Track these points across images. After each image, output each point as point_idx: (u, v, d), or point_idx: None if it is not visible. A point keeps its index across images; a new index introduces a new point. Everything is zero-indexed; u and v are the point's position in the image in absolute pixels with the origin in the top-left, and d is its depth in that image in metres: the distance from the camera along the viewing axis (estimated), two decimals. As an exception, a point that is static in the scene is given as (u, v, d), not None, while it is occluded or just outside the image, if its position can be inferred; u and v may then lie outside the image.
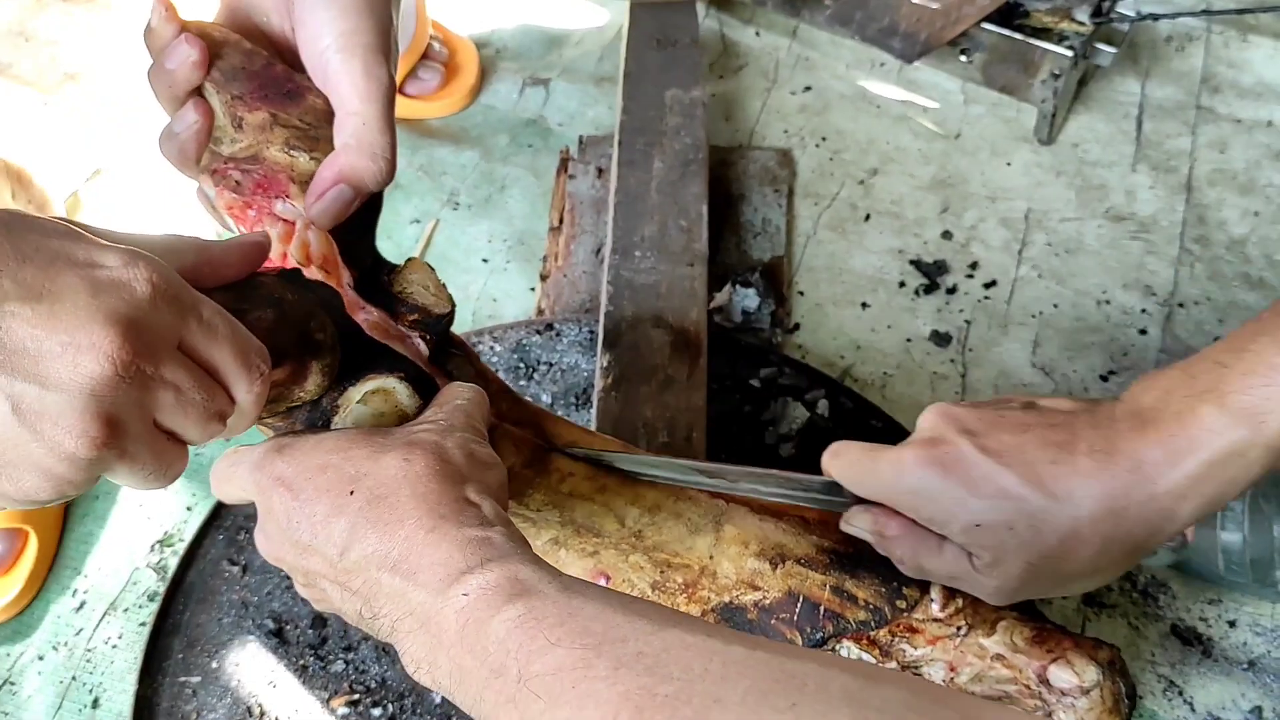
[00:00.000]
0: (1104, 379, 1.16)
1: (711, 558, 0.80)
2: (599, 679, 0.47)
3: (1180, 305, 1.21)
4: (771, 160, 1.32)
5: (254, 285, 0.62)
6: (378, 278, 0.75)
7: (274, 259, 0.70)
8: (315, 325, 0.64)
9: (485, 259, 1.26)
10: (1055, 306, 1.21)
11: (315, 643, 0.94)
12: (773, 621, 0.82)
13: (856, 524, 0.73)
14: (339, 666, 0.93)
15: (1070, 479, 0.64)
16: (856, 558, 0.83)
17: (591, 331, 1.13)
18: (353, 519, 0.58)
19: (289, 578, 0.97)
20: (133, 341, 0.50)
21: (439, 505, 0.57)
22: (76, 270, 0.50)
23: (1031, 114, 1.36)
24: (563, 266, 1.21)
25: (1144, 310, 1.20)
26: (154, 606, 0.99)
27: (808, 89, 1.41)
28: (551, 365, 1.11)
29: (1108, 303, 1.21)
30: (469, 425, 0.65)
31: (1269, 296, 1.21)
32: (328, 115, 0.71)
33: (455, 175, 1.33)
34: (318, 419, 0.68)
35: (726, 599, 0.82)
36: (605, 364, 1.01)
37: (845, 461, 0.72)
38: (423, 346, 0.73)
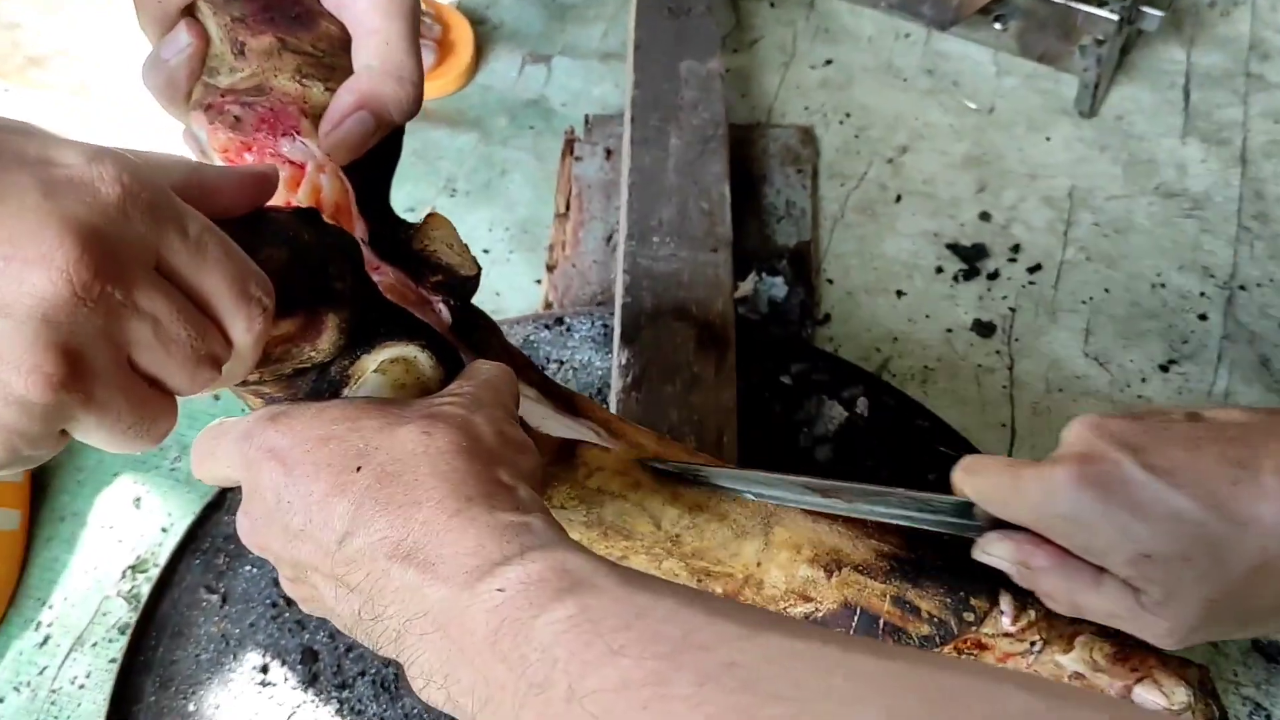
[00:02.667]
0: (1164, 369, 1.06)
1: (759, 565, 0.71)
2: (678, 698, 0.37)
3: (1241, 288, 1.11)
4: (793, 138, 1.22)
5: (263, 220, 0.53)
6: (395, 234, 0.65)
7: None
8: (335, 272, 0.54)
9: (486, 249, 1.16)
10: (1106, 291, 1.11)
11: (306, 679, 0.84)
12: (826, 642, 0.72)
13: (994, 553, 0.63)
14: (333, 707, 0.82)
15: (1256, 502, 0.55)
16: (919, 564, 0.73)
17: (605, 325, 1.03)
18: (357, 499, 0.48)
19: (275, 607, 0.87)
20: (95, 255, 0.41)
21: (465, 485, 0.48)
22: (26, 168, 0.41)
23: (1070, 85, 1.26)
24: (571, 256, 1.11)
25: (1203, 294, 1.11)
26: (125, 640, 0.89)
27: (828, 63, 1.31)
28: (562, 363, 1.01)
29: (1163, 286, 1.11)
30: (499, 402, 0.56)
31: (1337, 277, 1.11)
32: (344, 43, 0.62)
33: (452, 160, 1.23)
34: (324, 388, 0.59)
35: (772, 610, 0.72)
36: (624, 361, 0.91)
37: (984, 480, 0.62)
38: (446, 314, 0.63)
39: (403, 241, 0.67)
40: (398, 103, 0.60)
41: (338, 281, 0.55)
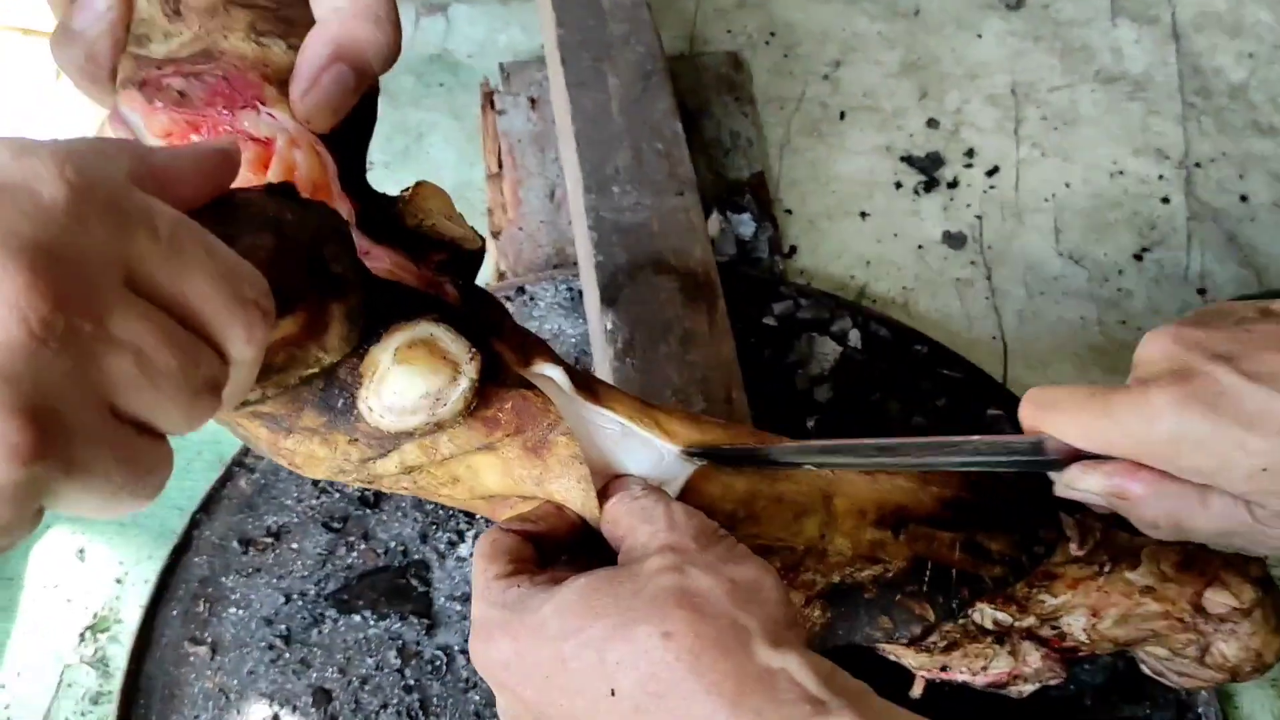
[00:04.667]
0: (1138, 258, 1.04)
1: (823, 537, 0.65)
2: None
3: (1197, 165, 1.10)
4: (724, 65, 1.15)
5: (235, 204, 0.44)
6: (383, 211, 0.57)
7: None
8: (330, 253, 0.46)
9: (418, 223, 1.06)
10: (1067, 186, 1.09)
11: (321, 722, 0.76)
12: (898, 597, 0.68)
13: (1083, 486, 0.59)
14: (358, 746, 0.75)
15: None
16: (983, 505, 0.69)
17: (571, 289, 0.95)
18: None
19: (272, 649, 0.78)
20: (50, 280, 0.32)
21: (742, 695, 0.43)
22: None
23: (992, -22, 1.22)
24: (515, 219, 1.03)
25: (1161, 176, 1.09)
26: (100, 711, 0.79)
27: (742, -19, 1.24)
28: (534, 336, 0.93)
29: (1121, 174, 1.09)
30: (699, 531, 0.51)
31: (1286, 143, 1.11)
32: None
33: (361, 130, 1.13)
34: (335, 399, 0.51)
35: (836, 579, 0.67)
36: (610, 326, 0.84)
37: (1067, 413, 0.57)
38: (453, 293, 0.56)
39: (393, 219, 0.59)
40: (377, 48, 0.52)
41: (335, 264, 0.47)
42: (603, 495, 0.58)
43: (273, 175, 0.53)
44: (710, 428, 0.65)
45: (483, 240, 0.59)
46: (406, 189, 0.61)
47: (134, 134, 0.53)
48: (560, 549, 0.56)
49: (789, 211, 1.07)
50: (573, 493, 0.58)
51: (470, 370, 0.54)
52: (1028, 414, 0.59)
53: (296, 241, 0.45)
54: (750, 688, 0.43)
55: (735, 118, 1.11)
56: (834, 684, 0.44)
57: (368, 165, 0.97)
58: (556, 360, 0.63)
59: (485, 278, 1.01)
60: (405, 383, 0.53)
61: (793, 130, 1.12)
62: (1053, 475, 0.61)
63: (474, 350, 0.54)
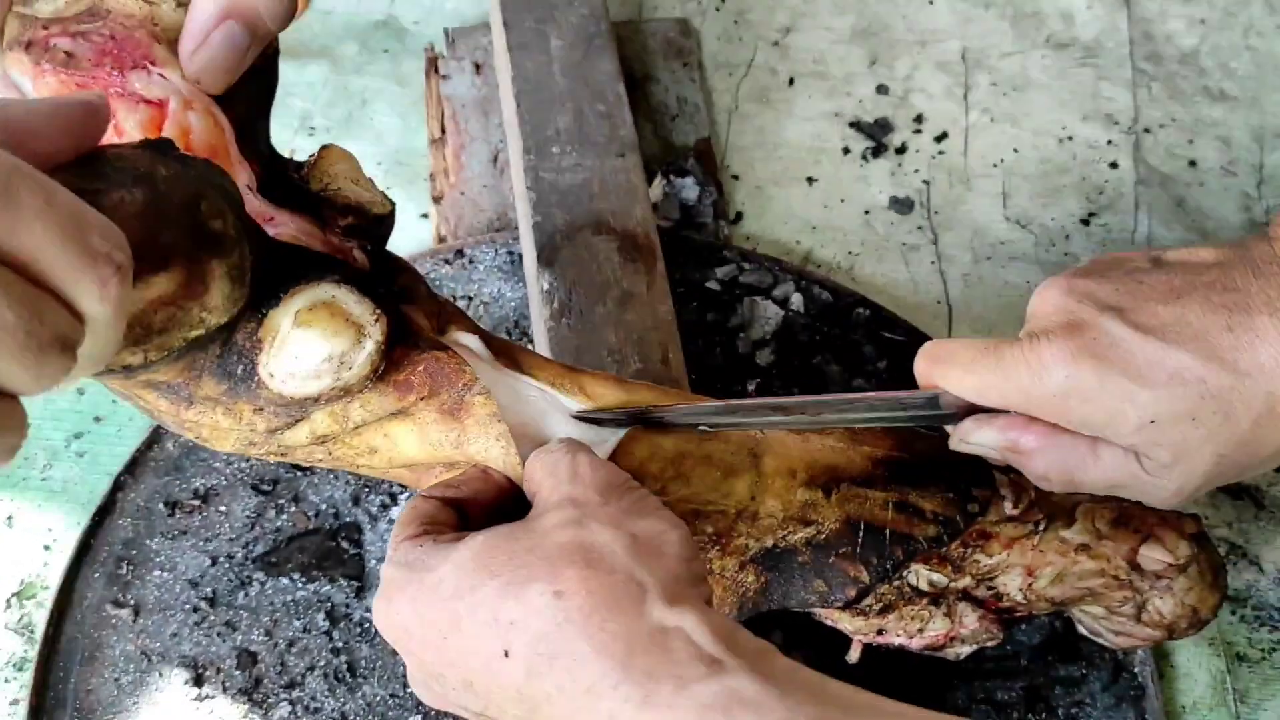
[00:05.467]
0: (1084, 223, 1.03)
1: (754, 499, 0.64)
2: None
3: (1146, 130, 1.09)
4: (671, 30, 1.14)
5: (104, 159, 0.43)
6: (285, 176, 0.55)
7: None
8: (208, 209, 0.45)
9: (360, 189, 1.05)
10: (1016, 152, 1.08)
11: (248, 686, 0.74)
12: (831, 560, 0.67)
13: (976, 440, 0.58)
14: (283, 711, 0.74)
15: (1255, 347, 0.51)
16: (916, 464, 0.68)
17: (511, 253, 0.94)
18: (529, 700, 0.43)
19: (197, 611, 0.77)
20: None
21: (633, 655, 0.42)
22: None
23: (944, -55, 1.21)
24: (456, 183, 1.01)
25: (1110, 141, 1.08)
26: (24, 678, 0.78)
27: (693, -53, 1.23)
28: (471, 299, 0.92)
29: (1070, 139, 1.09)
30: (605, 484, 0.50)
31: (1235, 109, 1.10)
32: None
33: (302, 95, 1.11)
34: (234, 366, 0.49)
35: (769, 542, 0.67)
36: (545, 287, 0.82)
37: (960, 367, 0.56)
38: (362, 258, 0.54)
39: (297, 184, 0.58)
40: (270, 5, 0.51)
41: (215, 221, 0.46)
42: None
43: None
44: (637, 389, 0.64)
45: (392, 205, 0.59)
46: (313, 154, 0.60)
47: (22, 96, 0.52)
48: (488, 515, 0.55)
49: (736, 177, 1.06)
50: (493, 452, 0.57)
51: (375, 332, 0.53)
52: (922, 368, 0.59)
53: (171, 197, 0.44)
54: (642, 647, 0.42)
55: (683, 83, 1.10)
56: (734, 643, 0.43)
57: (310, 131, 0.95)
58: (473, 328, 0.62)
59: (424, 244, 1.00)
60: (306, 346, 0.52)
61: (741, 96, 1.11)
62: (949, 429, 0.61)
63: (379, 312, 0.53)
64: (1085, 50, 1.14)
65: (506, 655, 0.43)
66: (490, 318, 0.91)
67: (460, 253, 0.93)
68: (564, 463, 0.52)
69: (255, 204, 0.55)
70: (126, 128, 0.52)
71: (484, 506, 0.55)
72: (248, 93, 0.55)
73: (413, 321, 0.58)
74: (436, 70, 1.09)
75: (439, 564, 0.47)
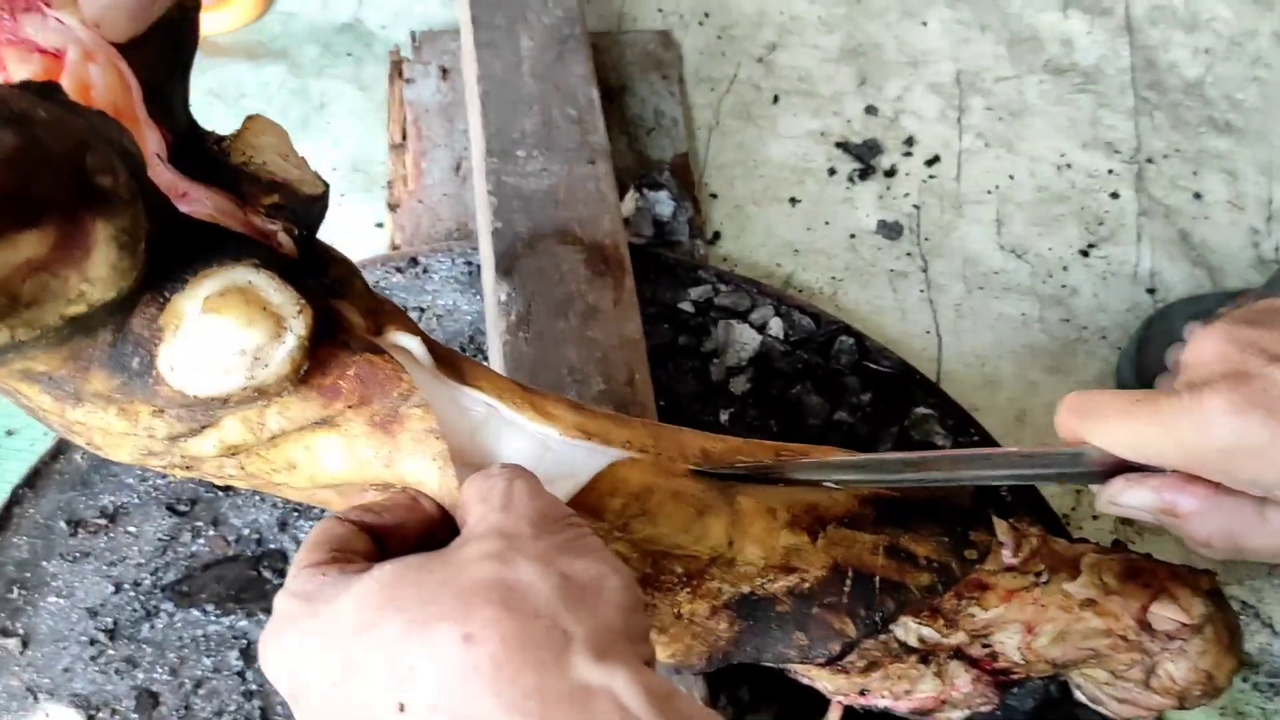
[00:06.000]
0: (1084, 254, 0.97)
1: (731, 544, 0.57)
2: None
3: (1149, 161, 1.03)
4: (652, 43, 1.08)
5: None
6: (203, 147, 0.49)
7: None
8: (96, 163, 0.39)
9: (312, 195, 0.98)
10: (1011, 178, 1.02)
11: (148, 732, 0.66)
12: (814, 610, 0.60)
13: (1129, 501, 0.52)
14: (187, 759, 0.65)
15: None
16: (906, 504, 0.61)
17: (469, 263, 0.87)
18: None
19: (94, 644, 0.69)
20: None
21: (549, 718, 0.35)
22: None
23: (939, -35, 1.16)
24: (415, 190, 0.94)
25: (1110, 171, 1.02)
26: (-99, 718, 0.69)
27: (677, -41, 1.17)
28: (423, 310, 0.84)
29: (1068, 167, 1.03)
30: (539, 515, 0.43)
31: (1242, 141, 1.05)
32: None
33: (258, 96, 1.04)
34: (129, 357, 0.43)
35: (746, 589, 0.59)
36: (503, 297, 0.75)
37: (1111, 420, 0.50)
38: (289, 245, 0.47)
39: (216, 156, 0.51)
40: None
41: (103, 175, 0.39)
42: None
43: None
44: (599, 417, 0.57)
45: (325, 185, 0.52)
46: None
47: None
48: (410, 548, 0.48)
49: (714, 196, 0.99)
50: (427, 473, 0.50)
51: (298, 325, 0.46)
52: (1067, 422, 0.53)
53: (48, 144, 0.38)
54: (559, 710, 0.35)
55: (662, 97, 1.04)
56: (669, 708, 0.36)
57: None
58: (414, 329, 0.55)
59: (379, 251, 0.92)
60: (214, 336, 0.45)
61: (722, 112, 1.05)
62: (1094, 489, 0.54)
63: (303, 303, 0.46)
64: (1085, 76, 1.09)
65: (402, 709, 0.36)
66: (443, 332, 0.84)
67: (414, 261, 0.86)
68: (498, 488, 0.44)
69: (166, 175, 0.48)
70: (17, 80, 0.45)
71: (407, 539, 0.48)
72: (160, 47, 0.48)
73: (344, 318, 0.51)
74: (400, 74, 1.03)
75: (338, 595, 0.40)
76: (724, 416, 0.82)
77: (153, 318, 0.45)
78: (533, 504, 0.44)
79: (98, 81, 0.46)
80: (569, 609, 0.38)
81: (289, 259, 0.50)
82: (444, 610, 0.37)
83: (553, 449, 0.55)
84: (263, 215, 0.51)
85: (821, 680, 0.65)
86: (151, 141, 0.49)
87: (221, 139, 0.52)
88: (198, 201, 0.49)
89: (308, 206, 0.51)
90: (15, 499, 0.73)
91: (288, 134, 0.53)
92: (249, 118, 0.52)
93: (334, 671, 0.38)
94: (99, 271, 0.40)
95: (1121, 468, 0.52)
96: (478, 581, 0.38)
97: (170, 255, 0.45)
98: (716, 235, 0.97)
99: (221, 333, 0.45)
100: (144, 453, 0.51)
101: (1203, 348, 0.50)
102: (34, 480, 0.73)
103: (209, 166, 0.51)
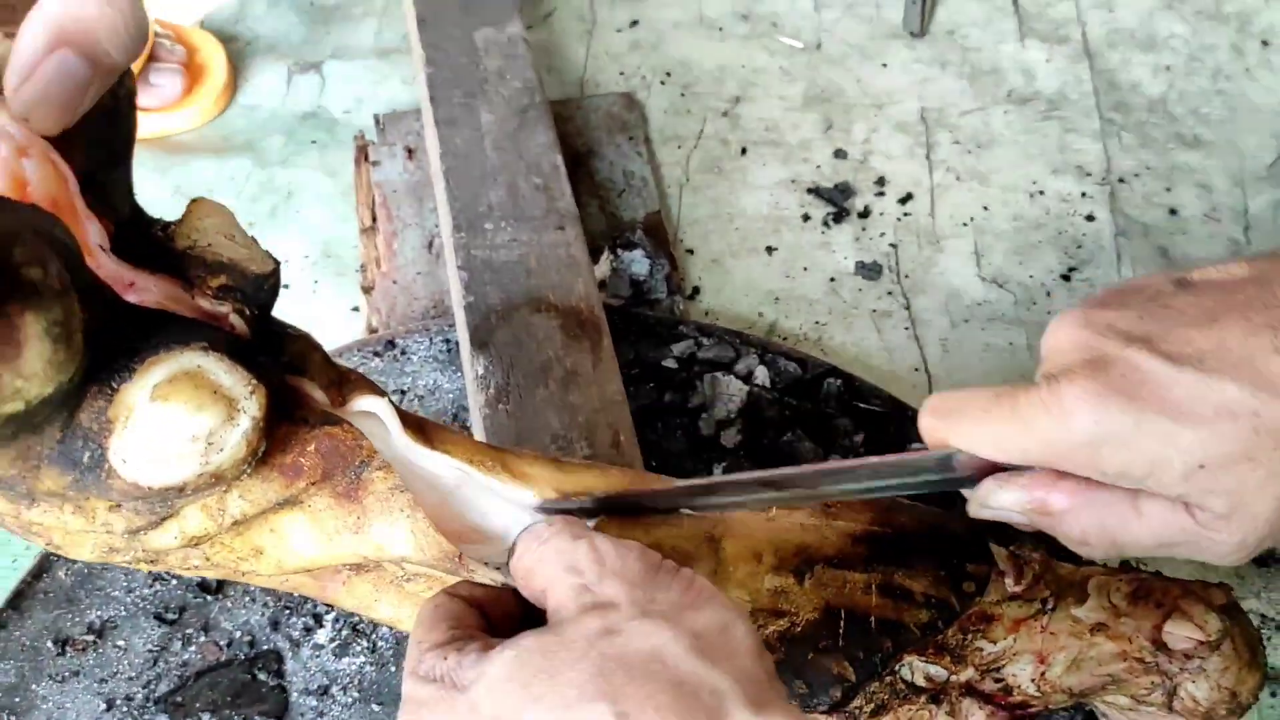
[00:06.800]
0: (1065, 278, 0.97)
1: (716, 591, 0.55)
2: None
3: (1121, 180, 1.03)
4: (615, 105, 1.08)
5: None
6: (147, 234, 0.48)
7: None
8: (23, 255, 0.38)
9: (285, 284, 0.97)
10: (985, 209, 1.02)
11: None
12: (810, 655, 0.58)
13: (998, 504, 0.49)
14: None
15: None
16: (900, 539, 0.60)
17: (448, 341, 0.86)
18: None
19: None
20: None
21: None
22: None
23: (894, 8, 1.16)
24: (388, 272, 0.94)
25: (1084, 194, 1.02)
26: None
27: (634, 24, 1.18)
28: (405, 392, 0.83)
29: (1041, 193, 1.02)
30: (645, 569, 0.42)
31: (1211, 154, 1.05)
32: None
33: (225, 190, 1.04)
34: (79, 453, 0.42)
35: None
36: (480, 371, 0.74)
37: (971, 419, 0.48)
38: (241, 326, 0.47)
39: (161, 242, 0.50)
40: (112, 30, 0.43)
41: (31, 268, 0.38)
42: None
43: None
44: (578, 471, 0.56)
45: (276, 262, 0.51)
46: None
47: None
48: (510, 619, 0.47)
49: (690, 252, 0.99)
50: (398, 530, 0.49)
51: (251, 406, 0.45)
52: (929, 425, 0.50)
53: None
54: None
55: (629, 158, 1.04)
56: None
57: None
58: (379, 393, 0.54)
59: (356, 336, 0.92)
60: (164, 424, 0.44)
61: (692, 168, 1.05)
62: (966, 493, 0.52)
63: (255, 383, 0.45)
64: (1049, 104, 1.09)
65: None
66: (425, 412, 0.83)
67: (391, 343, 0.85)
68: (581, 552, 0.43)
69: (110, 266, 0.47)
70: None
71: (511, 615, 0.47)
72: (95, 137, 0.47)
73: (302, 394, 0.50)
74: (366, 158, 1.03)
75: (471, 681, 0.40)
76: (717, 471, 0.80)
77: (101, 410, 0.44)
78: (626, 561, 0.43)
79: (32, 176, 0.45)
80: (711, 666, 0.38)
81: (242, 339, 0.49)
82: (588, 692, 0.37)
83: (524, 513, 0.54)
84: (212, 298, 0.50)
85: (828, 727, 0.63)
86: (92, 232, 0.48)
87: (167, 225, 0.52)
88: (145, 289, 0.49)
89: (258, 285, 0.51)
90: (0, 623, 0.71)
91: (233, 214, 0.52)
92: (193, 201, 0.52)
93: None
94: (34, 367, 0.39)
95: (991, 470, 0.49)
96: (612, 657, 0.38)
97: (116, 345, 0.44)
98: (696, 290, 0.96)
99: (172, 420, 0.44)
100: (105, 549, 0.50)
101: (1058, 336, 0.48)
102: (17, 601, 0.71)
103: (155, 253, 0.50)
